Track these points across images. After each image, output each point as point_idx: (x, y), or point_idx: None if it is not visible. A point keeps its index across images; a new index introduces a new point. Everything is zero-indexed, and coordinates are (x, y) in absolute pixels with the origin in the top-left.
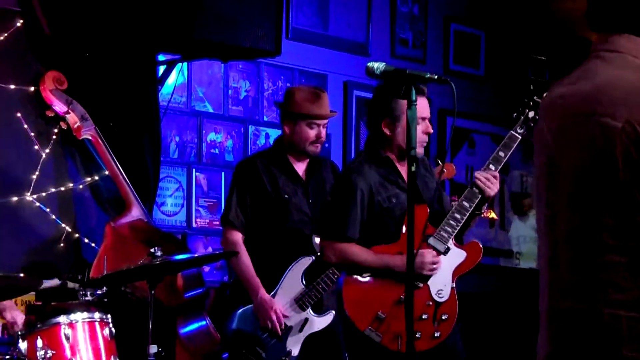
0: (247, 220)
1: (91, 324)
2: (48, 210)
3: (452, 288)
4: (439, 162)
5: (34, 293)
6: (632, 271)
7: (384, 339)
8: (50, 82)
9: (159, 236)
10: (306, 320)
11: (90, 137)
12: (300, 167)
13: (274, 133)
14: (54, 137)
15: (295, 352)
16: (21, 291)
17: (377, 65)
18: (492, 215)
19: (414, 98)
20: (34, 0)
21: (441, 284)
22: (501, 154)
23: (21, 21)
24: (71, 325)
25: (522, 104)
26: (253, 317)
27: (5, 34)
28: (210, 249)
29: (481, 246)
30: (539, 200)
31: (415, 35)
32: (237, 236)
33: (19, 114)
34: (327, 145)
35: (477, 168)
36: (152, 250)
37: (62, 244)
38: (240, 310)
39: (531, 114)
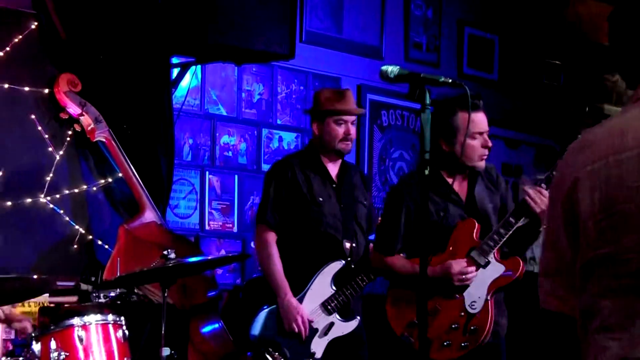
0: (281, 220)
1: (104, 326)
2: (62, 212)
3: (487, 301)
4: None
5: (47, 295)
6: None
7: (416, 344)
8: (64, 84)
9: (172, 238)
10: (332, 324)
11: (104, 140)
12: (333, 170)
13: (287, 136)
14: (68, 139)
15: (318, 354)
16: (35, 293)
17: (392, 69)
18: None
19: (427, 101)
20: (48, 3)
21: (476, 296)
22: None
23: (35, 23)
24: (85, 327)
25: (584, 123)
26: (278, 317)
27: (20, 36)
28: (223, 252)
29: (522, 262)
30: None
31: (429, 39)
32: (271, 236)
33: (33, 116)
34: None
35: None
36: (165, 252)
37: (75, 246)
38: (266, 309)
39: None
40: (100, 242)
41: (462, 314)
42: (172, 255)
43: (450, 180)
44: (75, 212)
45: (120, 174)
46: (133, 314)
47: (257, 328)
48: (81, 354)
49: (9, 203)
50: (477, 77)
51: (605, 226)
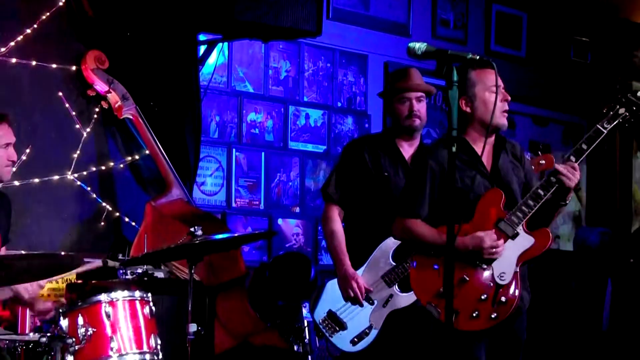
0: (345, 195)
1: (132, 302)
2: (89, 189)
3: (516, 272)
4: (539, 152)
5: (74, 272)
6: None
7: (442, 315)
8: (91, 61)
9: (198, 216)
10: (391, 296)
11: (131, 117)
12: (408, 151)
13: (314, 113)
14: (95, 116)
15: (377, 326)
16: (63, 269)
17: (419, 46)
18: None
19: (455, 78)
20: None
21: (505, 267)
22: (584, 146)
23: (63, 1)
24: (112, 303)
25: (614, 99)
26: (338, 289)
27: (48, 14)
28: (249, 229)
29: (551, 234)
30: None
31: (457, 16)
32: (334, 210)
33: (60, 94)
34: (366, 125)
35: None
36: (192, 229)
37: (102, 223)
38: (328, 281)
39: (621, 111)
40: (127, 219)
41: (491, 284)
42: (199, 232)
43: (476, 148)
44: (103, 189)
45: (147, 151)
46: (160, 291)
47: (315, 300)
48: (108, 330)
49: (37, 180)
50: (504, 54)
51: None
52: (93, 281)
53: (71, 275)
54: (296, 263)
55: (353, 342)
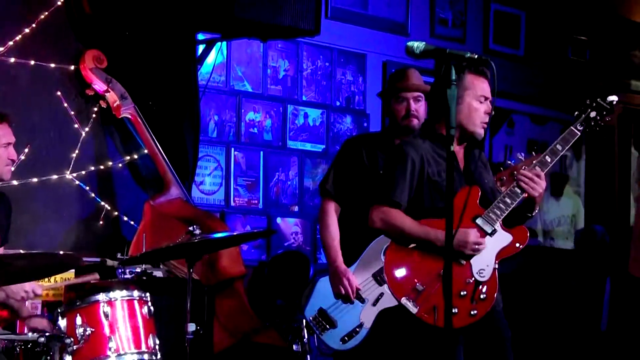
0: (341, 191)
1: (130, 302)
2: (87, 188)
3: (494, 269)
4: (533, 153)
5: (73, 271)
6: None
7: (420, 311)
8: (90, 60)
9: (197, 215)
10: (381, 294)
11: (129, 116)
12: None
13: (313, 113)
14: (94, 115)
15: (367, 324)
16: (61, 269)
17: (417, 45)
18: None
19: (453, 77)
20: None
21: (484, 264)
22: (559, 147)
23: (62, 0)
24: (110, 303)
25: (584, 104)
26: (330, 287)
27: (46, 13)
28: (248, 228)
29: (528, 231)
30: None
31: (455, 14)
32: (330, 205)
33: (58, 93)
34: (365, 125)
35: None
36: (190, 228)
37: (101, 222)
38: (320, 279)
39: (592, 114)
40: (125, 218)
41: (470, 281)
42: (198, 231)
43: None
44: (101, 188)
45: (145, 151)
46: (158, 290)
47: (306, 297)
48: (107, 330)
49: (35, 179)
50: (503, 53)
51: None
52: (91, 281)
53: (69, 274)
54: (295, 262)
55: (343, 340)
